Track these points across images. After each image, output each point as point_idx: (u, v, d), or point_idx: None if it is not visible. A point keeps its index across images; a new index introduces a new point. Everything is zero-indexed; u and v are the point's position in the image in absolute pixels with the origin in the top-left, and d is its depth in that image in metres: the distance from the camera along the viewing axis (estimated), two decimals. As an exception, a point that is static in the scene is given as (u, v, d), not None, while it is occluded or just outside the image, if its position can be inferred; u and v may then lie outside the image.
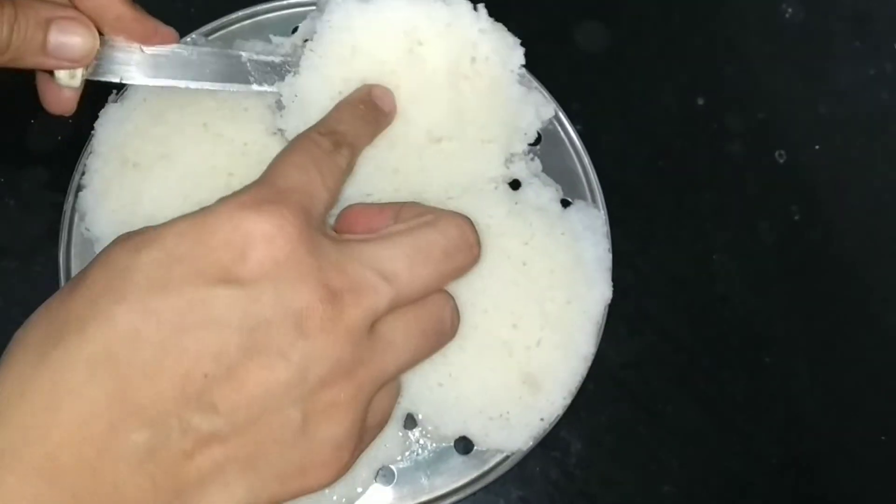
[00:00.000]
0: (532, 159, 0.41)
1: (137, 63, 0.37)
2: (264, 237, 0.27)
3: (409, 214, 0.33)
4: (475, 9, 0.38)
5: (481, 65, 0.39)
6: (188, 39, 0.42)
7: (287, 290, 0.27)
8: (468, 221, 0.33)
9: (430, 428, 0.38)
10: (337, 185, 0.32)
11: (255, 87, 0.38)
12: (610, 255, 0.39)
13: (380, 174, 0.37)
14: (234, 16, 0.43)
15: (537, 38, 0.45)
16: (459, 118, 0.38)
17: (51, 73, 0.36)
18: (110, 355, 0.25)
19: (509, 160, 0.40)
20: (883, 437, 0.42)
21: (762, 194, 0.45)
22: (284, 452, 0.27)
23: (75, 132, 0.42)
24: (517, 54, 0.39)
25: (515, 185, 0.40)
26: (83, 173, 0.40)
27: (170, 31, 0.38)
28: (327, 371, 0.27)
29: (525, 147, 0.40)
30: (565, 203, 0.41)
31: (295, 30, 0.42)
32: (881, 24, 0.48)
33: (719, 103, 0.46)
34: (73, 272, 0.40)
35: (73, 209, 0.40)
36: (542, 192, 0.40)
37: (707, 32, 0.47)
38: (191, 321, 0.26)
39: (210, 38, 0.42)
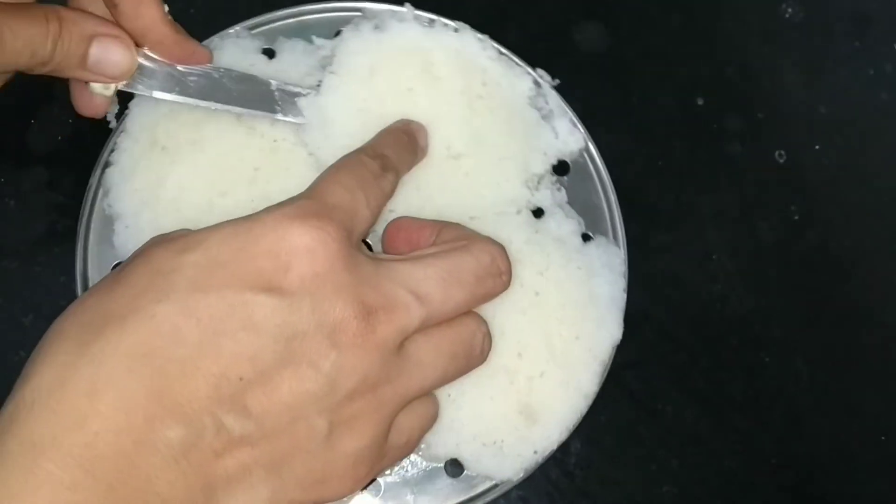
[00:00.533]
0: (558, 189, 0.41)
1: (169, 80, 0.37)
2: (307, 250, 0.27)
3: (449, 235, 0.34)
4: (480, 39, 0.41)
5: (493, 88, 0.40)
6: (231, 31, 0.42)
7: (324, 304, 0.27)
8: (501, 249, 0.34)
9: (422, 446, 0.37)
10: (379, 207, 0.33)
11: (279, 116, 0.39)
12: (625, 296, 0.39)
13: (404, 190, 0.38)
14: (278, 13, 0.43)
15: (537, 38, 0.46)
16: (476, 135, 0.39)
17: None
18: (150, 351, 0.26)
19: (532, 183, 0.40)
20: (883, 437, 0.42)
21: (762, 194, 0.45)
22: (307, 460, 0.28)
23: (75, 132, 0.42)
24: (525, 82, 0.41)
25: (538, 213, 0.40)
26: (112, 150, 0.40)
27: (205, 53, 0.38)
28: (354, 384, 0.28)
29: (545, 169, 0.41)
30: (586, 237, 0.40)
31: (338, 33, 0.42)
32: (881, 24, 0.48)
33: (719, 103, 0.46)
34: (91, 247, 0.40)
35: (98, 184, 0.40)
36: (563, 224, 0.40)
37: (707, 32, 0.47)
38: (230, 324, 0.26)
39: (253, 31, 0.42)
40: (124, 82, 0.37)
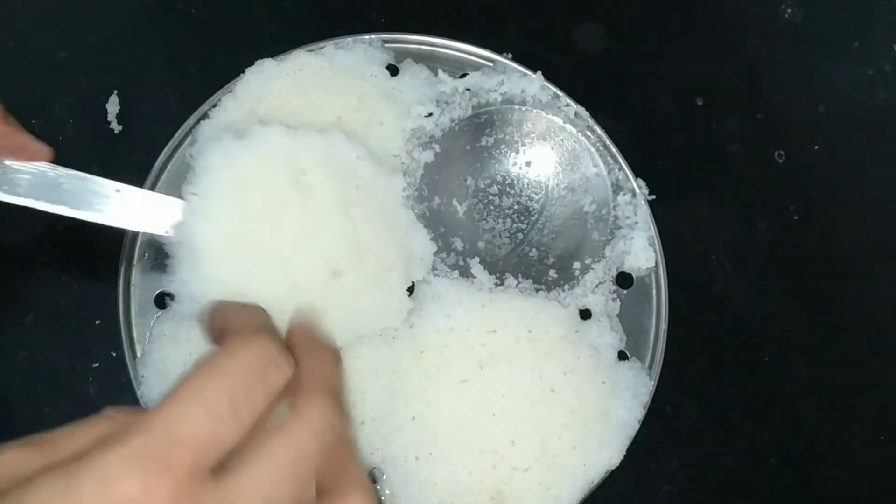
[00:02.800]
0: (614, 299, 0.40)
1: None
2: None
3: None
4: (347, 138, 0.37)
5: (366, 191, 0.37)
6: (365, 38, 0.42)
7: None
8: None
9: (387, 492, 0.37)
10: (260, 415, 0.28)
11: (112, 221, 0.35)
12: (637, 426, 0.38)
13: (283, 318, 0.34)
14: (412, 37, 0.43)
15: (537, 39, 0.45)
16: (357, 248, 0.36)
17: None
18: None
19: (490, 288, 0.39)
20: (882, 437, 0.42)
21: (761, 194, 0.45)
22: None
23: (75, 132, 0.42)
24: (397, 179, 0.39)
25: (586, 314, 0.40)
26: (214, 105, 0.41)
27: (41, 149, 0.35)
28: None
29: (421, 274, 0.39)
30: (622, 356, 0.40)
31: (463, 75, 0.42)
32: (881, 25, 0.48)
33: (719, 103, 0.46)
34: (160, 187, 0.41)
35: (188, 135, 0.41)
36: (605, 335, 0.39)
37: (707, 32, 0.47)
38: None
39: (386, 45, 0.43)
40: None
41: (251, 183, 0.35)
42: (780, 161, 0.45)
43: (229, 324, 0.32)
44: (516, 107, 0.42)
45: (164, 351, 0.38)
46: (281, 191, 0.35)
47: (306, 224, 0.35)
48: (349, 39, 0.42)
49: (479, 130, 0.42)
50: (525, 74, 0.42)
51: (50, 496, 0.24)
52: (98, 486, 0.24)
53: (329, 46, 0.42)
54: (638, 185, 0.42)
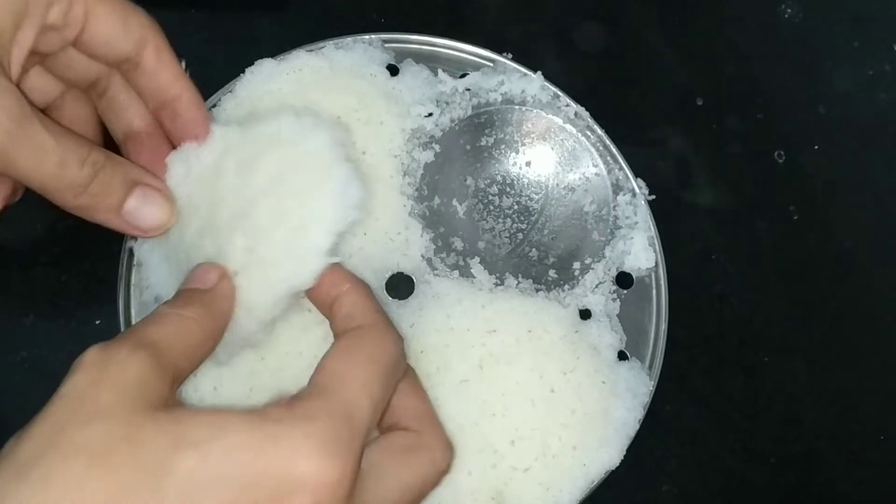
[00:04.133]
0: (614, 299, 0.40)
1: None
2: (315, 489, 0.25)
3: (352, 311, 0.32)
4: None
5: (290, 154, 0.34)
6: (365, 38, 0.42)
7: None
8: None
9: None
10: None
11: None
12: (637, 427, 0.38)
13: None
14: (413, 37, 0.43)
15: (537, 39, 0.46)
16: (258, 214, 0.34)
17: None
18: None
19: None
20: (882, 437, 0.42)
21: (761, 194, 0.45)
22: None
23: (75, 132, 0.42)
24: (320, 131, 0.34)
25: (586, 314, 0.40)
26: (214, 105, 0.41)
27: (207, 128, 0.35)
28: None
29: (344, 226, 0.33)
30: (622, 356, 0.40)
31: (464, 75, 0.42)
32: (880, 25, 0.48)
33: (719, 103, 0.46)
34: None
35: None
36: (605, 335, 0.39)
37: (707, 32, 0.47)
38: None
39: (386, 45, 0.43)
40: None
41: (202, 184, 0.35)
42: (780, 161, 0.45)
43: (355, 303, 0.32)
44: (516, 107, 0.42)
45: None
46: (223, 184, 0.34)
47: (240, 210, 0.33)
48: (349, 39, 0.42)
49: (479, 130, 0.42)
50: (525, 74, 0.42)
51: (235, 449, 0.25)
52: (286, 462, 0.25)
53: (329, 46, 0.42)
54: (638, 185, 0.42)
